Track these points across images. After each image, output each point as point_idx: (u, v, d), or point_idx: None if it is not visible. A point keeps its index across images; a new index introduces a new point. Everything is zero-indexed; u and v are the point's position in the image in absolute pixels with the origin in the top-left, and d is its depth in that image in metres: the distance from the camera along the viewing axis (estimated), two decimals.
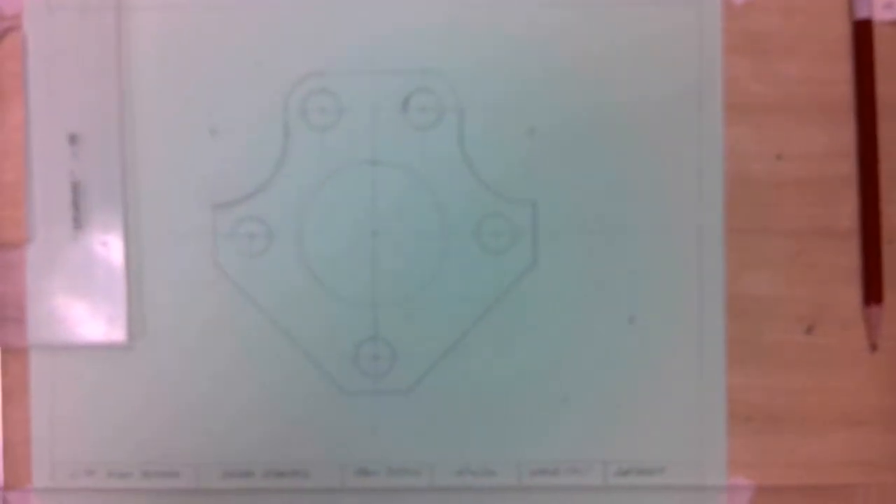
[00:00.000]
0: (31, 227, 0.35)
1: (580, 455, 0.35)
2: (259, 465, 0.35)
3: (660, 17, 0.35)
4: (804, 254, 0.35)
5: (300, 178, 0.35)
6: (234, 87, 0.35)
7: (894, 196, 0.35)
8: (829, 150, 0.35)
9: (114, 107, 0.34)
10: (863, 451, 0.35)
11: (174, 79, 0.35)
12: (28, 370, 0.35)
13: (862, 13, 0.34)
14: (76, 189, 0.34)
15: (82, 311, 0.34)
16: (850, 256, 0.35)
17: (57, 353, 0.35)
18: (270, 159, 0.35)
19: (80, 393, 0.35)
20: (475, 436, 0.35)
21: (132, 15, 0.35)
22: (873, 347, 0.35)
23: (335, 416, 0.35)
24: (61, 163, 0.34)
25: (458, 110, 0.35)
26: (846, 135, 0.35)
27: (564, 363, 0.35)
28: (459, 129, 0.35)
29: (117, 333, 0.34)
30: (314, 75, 0.35)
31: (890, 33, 0.35)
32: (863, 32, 0.34)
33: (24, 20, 0.34)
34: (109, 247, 0.35)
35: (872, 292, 0.34)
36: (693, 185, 0.35)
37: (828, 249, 0.35)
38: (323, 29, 0.35)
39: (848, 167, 0.35)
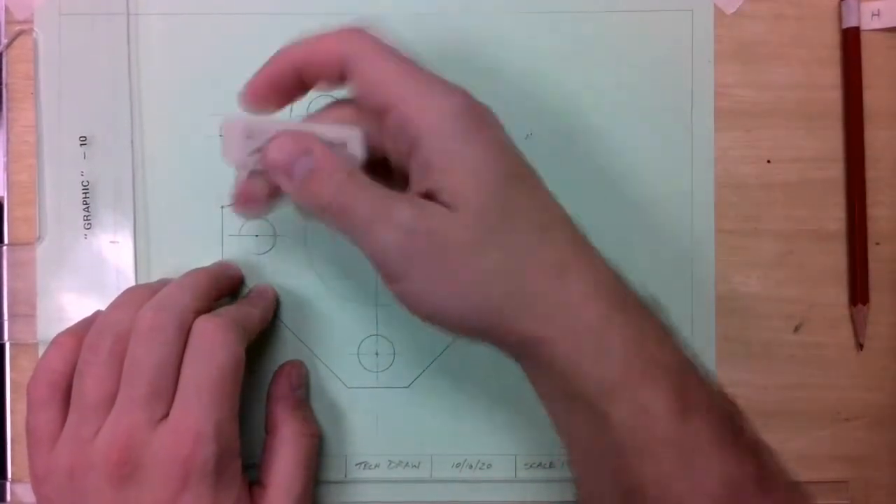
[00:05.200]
0: (42, 225, 0.35)
1: None
2: None
3: (653, 25, 0.35)
4: (792, 255, 0.35)
5: None
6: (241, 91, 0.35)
7: (880, 199, 0.35)
8: (816, 154, 0.35)
9: (124, 109, 0.35)
10: (850, 447, 0.36)
11: (183, 83, 0.35)
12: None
13: (850, 22, 0.35)
14: (87, 189, 0.35)
15: (91, 308, 0.34)
16: (836, 257, 0.36)
17: None
18: None
19: None
20: (472, 430, 0.35)
21: (142, 21, 0.35)
22: (859, 346, 0.36)
23: (337, 410, 0.35)
24: (72, 164, 0.35)
25: None
26: (834, 140, 0.35)
27: None
28: None
29: None
30: None
31: (877, 41, 0.35)
32: (851, 40, 0.35)
33: (35, 24, 0.35)
34: (119, 246, 0.35)
35: (859, 292, 0.35)
36: (685, 188, 0.35)
37: (815, 251, 0.35)
38: None
39: (835, 171, 0.35)
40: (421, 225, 0.26)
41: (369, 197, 0.26)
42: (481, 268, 0.26)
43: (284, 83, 0.28)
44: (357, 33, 0.27)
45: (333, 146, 0.27)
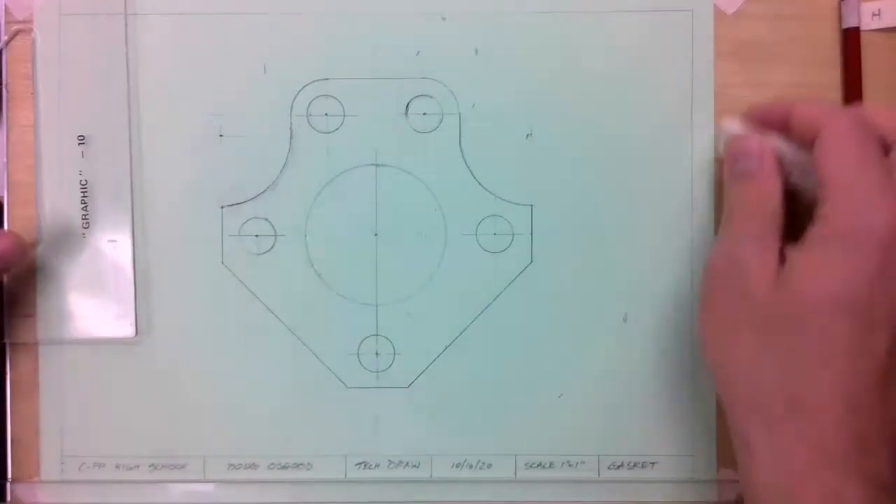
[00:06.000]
0: (41, 225, 0.35)
1: (574, 449, 0.35)
2: (263, 457, 0.35)
3: (653, 25, 0.35)
4: None
5: (305, 180, 0.35)
6: (241, 91, 0.35)
7: None
8: None
9: (123, 109, 0.35)
10: None
11: (183, 83, 0.35)
12: (37, 365, 0.35)
13: (850, 22, 0.35)
14: (85, 189, 0.35)
15: (91, 307, 0.35)
16: None
17: (66, 348, 0.35)
18: (276, 162, 0.35)
19: (88, 388, 0.35)
20: (472, 430, 0.35)
21: (142, 20, 0.35)
22: None
23: (337, 410, 0.35)
24: (71, 163, 0.35)
25: (458, 114, 0.35)
26: None
27: (560, 360, 0.35)
28: (459, 133, 0.35)
29: (125, 330, 0.35)
30: (319, 81, 0.35)
31: (877, 41, 0.35)
32: (850, 40, 0.35)
33: (35, 24, 0.35)
34: (118, 245, 0.35)
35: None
36: (685, 188, 0.35)
37: None
38: (327, 37, 0.35)
39: None
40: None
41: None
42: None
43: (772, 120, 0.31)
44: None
45: (788, 163, 0.30)
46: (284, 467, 0.35)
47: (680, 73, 0.35)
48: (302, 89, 0.35)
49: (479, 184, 0.35)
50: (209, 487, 0.35)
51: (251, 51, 0.35)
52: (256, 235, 0.35)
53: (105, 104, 0.35)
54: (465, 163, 0.35)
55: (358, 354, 0.35)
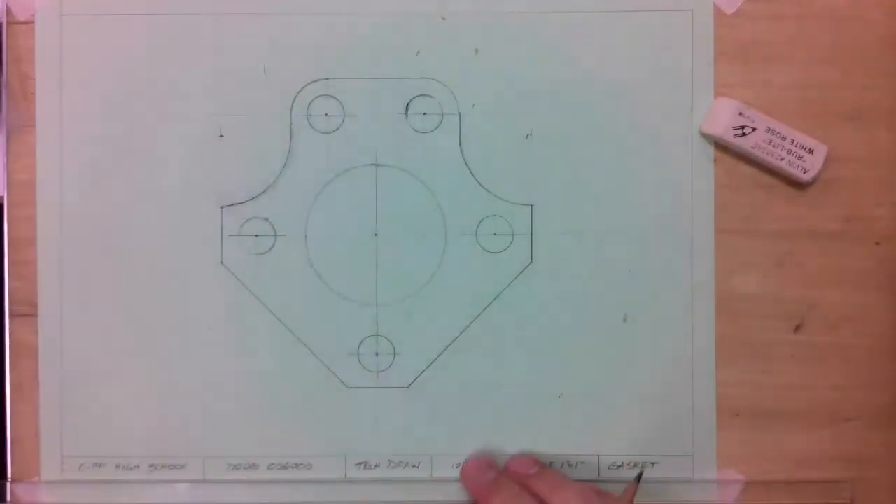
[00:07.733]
0: (41, 225, 0.35)
1: (574, 449, 0.35)
2: (263, 457, 0.35)
3: (653, 25, 0.35)
4: (792, 255, 0.35)
5: (305, 180, 0.35)
6: (241, 91, 0.35)
7: (880, 199, 0.35)
8: None
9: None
10: (849, 447, 0.36)
11: (183, 83, 0.35)
12: (38, 365, 0.35)
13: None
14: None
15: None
16: (836, 257, 0.35)
17: (66, 348, 0.35)
18: (276, 162, 0.35)
19: (88, 387, 0.35)
20: (472, 430, 0.35)
21: (141, 21, 0.35)
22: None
23: (337, 411, 0.35)
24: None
25: (458, 114, 0.35)
26: (833, 139, 0.35)
27: (560, 360, 0.35)
28: (459, 133, 0.35)
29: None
30: (319, 81, 0.35)
31: (876, 35, 0.35)
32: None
33: (36, 24, 0.35)
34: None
35: None
36: (684, 188, 0.35)
37: (815, 251, 0.35)
38: (327, 37, 0.35)
39: (835, 171, 0.35)
40: None
41: None
42: None
43: None
44: None
45: None
46: (284, 467, 0.35)
47: (680, 73, 0.35)
48: (302, 89, 0.35)
49: (479, 184, 0.35)
50: (209, 487, 0.35)
51: (251, 51, 0.35)
52: (256, 235, 0.35)
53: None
54: (465, 163, 0.35)
55: (358, 354, 0.35)
